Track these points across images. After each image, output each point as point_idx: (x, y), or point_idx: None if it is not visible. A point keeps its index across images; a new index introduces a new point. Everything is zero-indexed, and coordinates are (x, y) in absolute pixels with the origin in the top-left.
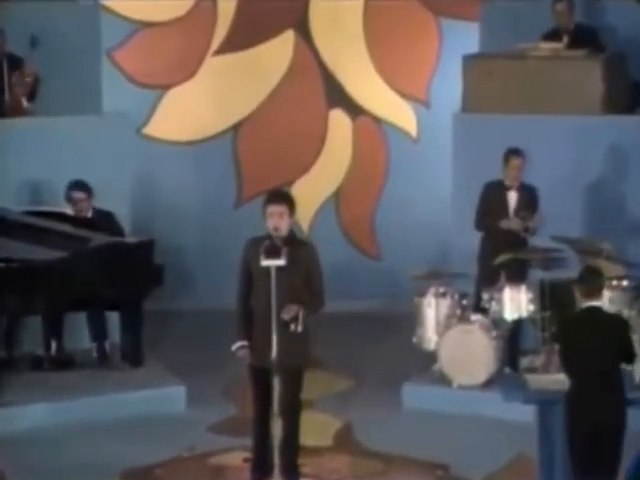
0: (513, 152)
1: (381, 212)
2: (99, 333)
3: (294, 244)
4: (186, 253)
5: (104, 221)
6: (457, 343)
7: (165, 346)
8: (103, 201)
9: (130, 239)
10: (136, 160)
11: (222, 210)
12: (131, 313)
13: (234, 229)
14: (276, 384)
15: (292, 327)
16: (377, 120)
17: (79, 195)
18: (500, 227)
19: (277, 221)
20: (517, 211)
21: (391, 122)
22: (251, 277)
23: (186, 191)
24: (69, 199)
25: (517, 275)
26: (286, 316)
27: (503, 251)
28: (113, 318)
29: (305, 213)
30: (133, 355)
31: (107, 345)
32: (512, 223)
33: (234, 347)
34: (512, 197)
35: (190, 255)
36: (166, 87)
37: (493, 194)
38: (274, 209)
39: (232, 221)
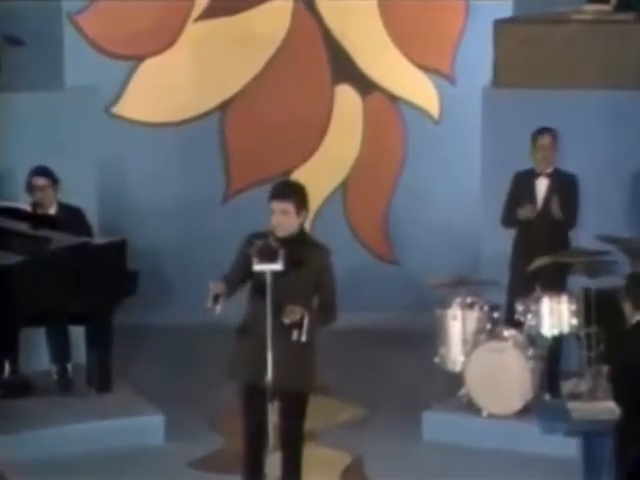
0: (541, 130)
1: (396, 207)
2: (61, 353)
3: (300, 245)
4: (164, 256)
5: (70, 218)
6: (487, 364)
7: (139, 368)
8: (66, 193)
9: (98, 240)
10: (105, 145)
11: (207, 205)
12: (99, 328)
13: (221, 228)
14: (272, 411)
15: (294, 335)
16: (392, 98)
17: (41, 182)
18: (519, 218)
19: (278, 219)
20: (547, 200)
21: (409, 100)
22: (248, 274)
23: (164, 182)
24: (29, 188)
25: (557, 283)
26: (287, 319)
27: (540, 254)
28: (76, 335)
29: None
30: (101, 379)
31: (70, 367)
32: (527, 211)
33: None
34: (541, 184)
35: (169, 259)
36: (140, 58)
37: (522, 184)
38: (275, 206)
39: (219, 218)
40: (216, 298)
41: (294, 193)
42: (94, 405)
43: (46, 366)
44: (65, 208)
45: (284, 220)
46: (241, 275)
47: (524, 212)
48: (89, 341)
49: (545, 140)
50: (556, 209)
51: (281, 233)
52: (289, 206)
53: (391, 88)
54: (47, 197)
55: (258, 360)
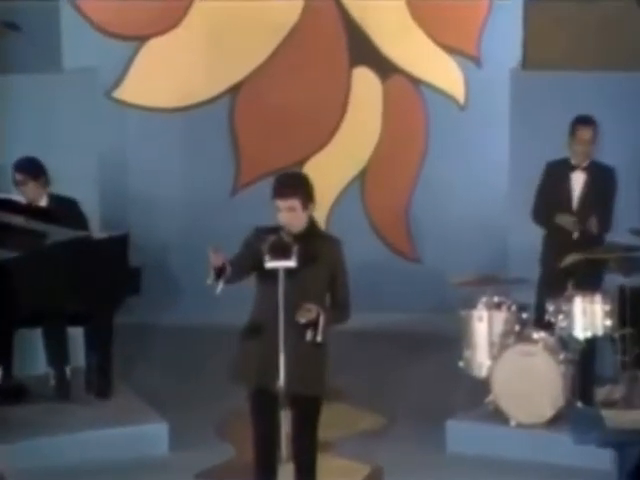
0: (582, 121)
1: (418, 200)
2: (58, 356)
3: (312, 239)
4: (169, 252)
5: (64, 211)
6: (515, 369)
7: (142, 372)
8: (64, 186)
9: (98, 234)
10: (105, 132)
11: (215, 198)
12: (99, 329)
13: (230, 222)
14: (285, 419)
15: (309, 335)
16: (414, 81)
17: (19, 176)
18: (555, 221)
19: (286, 217)
20: (583, 197)
21: (432, 84)
22: (253, 266)
23: (170, 173)
24: (14, 182)
25: (591, 281)
26: (302, 318)
27: (572, 250)
28: (75, 336)
29: (321, 202)
30: (101, 384)
31: (68, 371)
32: (566, 220)
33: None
34: (578, 179)
35: (174, 255)
36: (143, 38)
37: (555, 176)
38: (280, 204)
39: (228, 212)
40: (218, 273)
41: (299, 187)
42: (93, 412)
43: (43, 370)
44: (58, 200)
45: (292, 217)
46: (247, 266)
47: (564, 221)
48: (88, 343)
49: (587, 133)
50: (593, 225)
51: (291, 229)
52: (295, 202)
53: (413, 71)
54: (29, 191)
55: (269, 363)
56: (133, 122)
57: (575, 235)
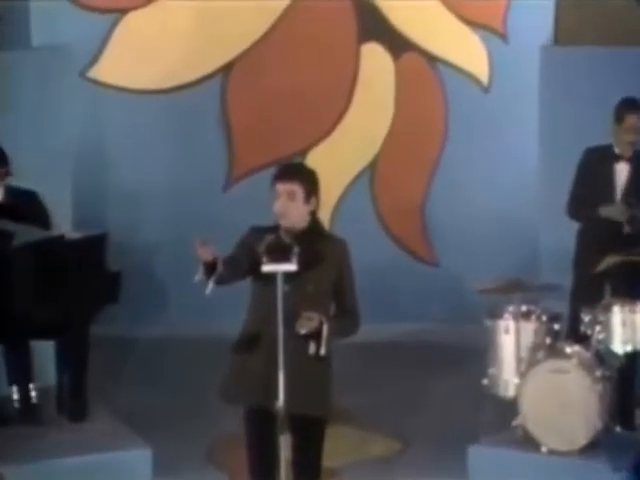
0: (630, 106)
1: (436, 195)
2: (20, 372)
3: (314, 240)
4: (154, 255)
5: (22, 205)
6: (546, 388)
7: (122, 391)
8: (32, 178)
9: (72, 234)
10: (80, 117)
11: (206, 192)
12: (72, 343)
13: (223, 219)
14: (284, 443)
15: (311, 348)
16: (431, 59)
17: None
18: (600, 215)
19: (284, 205)
20: (628, 191)
21: (452, 62)
22: (248, 269)
23: (154, 165)
24: None
25: (631, 287)
26: (303, 329)
27: (610, 251)
28: (45, 350)
29: (325, 198)
30: (75, 404)
31: (33, 390)
32: (614, 210)
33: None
34: (622, 170)
35: (159, 258)
36: (121, 11)
37: (596, 166)
38: (279, 188)
39: (220, 208)
40: (209, 270)
41: (302, 174)
42: (66, 437)
43: (4, 390)
44: (15, 193)
45: (290, 206)
46: (241, 268)
47: (611, 212)
48: (60, 358)
49: (635, 118)
50: (637, 226)
51: (287, 222)
52: (296, 188)
53: (430, 47)
54: None
55: (266, 379)
56: (111, 106)
57: (627, 229)
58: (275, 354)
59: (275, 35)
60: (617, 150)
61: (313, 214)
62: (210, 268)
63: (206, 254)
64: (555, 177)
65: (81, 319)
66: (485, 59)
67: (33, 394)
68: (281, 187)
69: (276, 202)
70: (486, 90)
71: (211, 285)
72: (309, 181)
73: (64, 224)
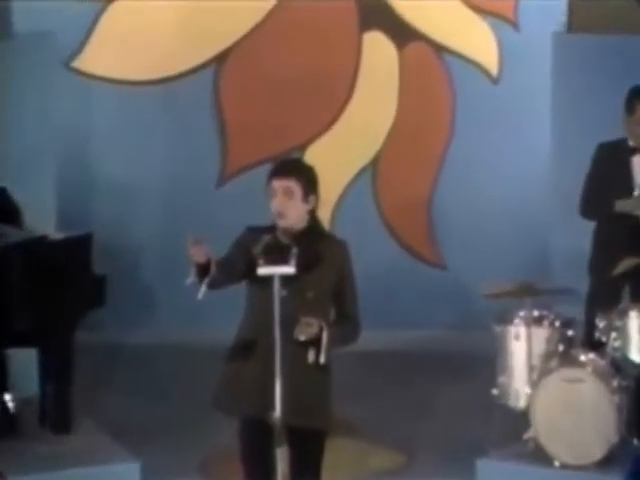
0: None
1: (443, 193)
2: None
3: (313, 241)
4: (142, 256)
5: None
6: (559, 398)
7: (109, 401)
8: (12, 175)
9: (55, 235)
10: (64, 109)
11: (198, 190)
12: (56, 351)
13: (216, 219)
14: (282, 457)
15: (310, 356)
16: (437, 48)
17: None
18: (616, 210)
19: (281, 203)
20: None
21: (459, 51)
22: (244, 273)
23: (143, 160)
24: None
25: None
26: (302, 335)
27: (628, 253)
28: (27, 359)
29: (325, 196)
30: (59, 416)
31: (10, 401)
32: (632, 204)
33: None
34: (638, 163)
35: (149, 260)
36: None
37: (610, 162)
38: (275, 185)
39: (213, 206)
40: (202, 272)
41: (300, 170)
42: (49, 450)
43: None
44: None
45: (288, 204)
46: (236, 271)
47: (628, 206)
48: (43, 367)
49: None
50: None
51: (284, 222)
52: (293, 185)
53: (436, 36)
54: None
55: (262, 389)
56: (98, 98)
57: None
58: (272, 362)
59: (271, 23)
60: (632, 143)
61: (312, 213)
62: (203, 270)
63: (199, 254)
64: (569, 172)
65: (65, 325)
66: (495, 48)
67: (10, 405)
68: (277, 184)
69: (273, 200)
70: (495, 81)
71: (204, 288)
72: (307, 178)
73: (47, 224)
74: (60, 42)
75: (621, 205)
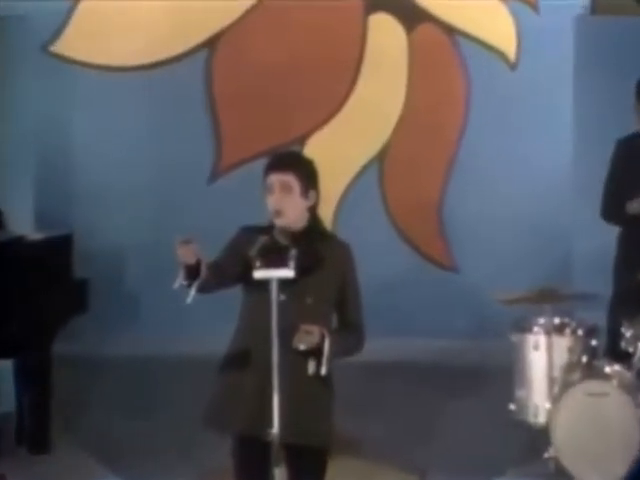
0: None
1: (455, 190)
2: None
3: (314, 242)
4: (127, 259)
5: None
6: (582, 414)
7: (91, 417)
8: None
9: (32, 235)
10: (43, 99)
11: (188, 186)
12: (33, 363)
13: (208, 218)
14: (280, 476)
15: (311, 367)
16: (450, 31)
17: None
18: (629, 214)
19: (278, 199)
20: None
21: (474, 35)
22: (238, 276)
23: (128, 154)
24: None
25: None
26: (302, 344)
27: None
28: (1, 372)
29: (326, 193)
30: (36, 434)
31: None
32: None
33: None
34: None
35: (134, 263)
36: None
37: (627, 159)
38: (272, 179)
39: (205, 204)
40: (191, 274)
41: (298, 163)
42: (26, 471)
43: None
44: None
45: (286, 200)
46: (229, 274)
47: (633, 206)
48: (19, 381)
49: None
50: None
51: (282, 220)
52: (291, 179)
53: (448, 18)
54: None
55: (258, 403)
56: (79, 85)
57: None
58: (269, 374)
59: (268, 3)
60: None
61: (312, 211)
62: (192, 272)
63: (188, 255)
64: (593, 168)
65: (43, 334)
66: (513, 31)
67: None
68: (274, 179)
69: (269, 197)
70: (513, 67)
71: (193, 292)
72: (306, 172)
73: (24, 223)
74: (36, 25)
75: (631, 207)
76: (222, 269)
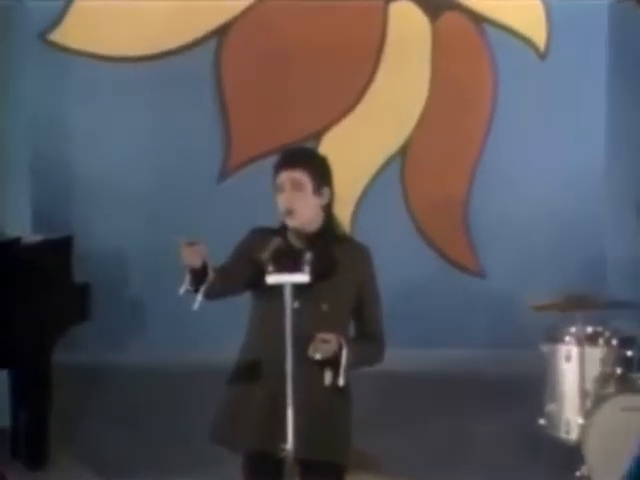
0: None
1: (482, 188)
2: None
3: (330, 244)
4: (131, 263)
5: None
6: (617, 429)
7: (91, 430)
8: None
9: (30, 238)
10: (41, 90)
11: (197, 185)
12: (31, 374)
13: (218, 218)
14: None
15: (327, 378)
16: (476, 19)
17: None
18: None
19: (289, 198)
20: None
21: (501, 22)
22: (249, 282)
23: (132, 151)
24: None
25: None
26: (318, 353)
27: None
28: None
29: (344, 193)
30: (34, 448)
31: None
32: None
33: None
34: None
35: (138, 267)
36: None
37: None
38: (283, 178)
39: (214, 204)
40: (197, 279)
41: (309, 159)
42: None
43: None
44: None
45: (298, 199)
46: (239, 279)
47: None
48: (15, 392)
49: None
50: None
51: (295, 220)
52: (302, 176)
53: (474, 5)
54: None
55: (270, 417)
56: (79, 76)
57: None
58: (281, 386)
59: None
60: None
61: (327, 211)
62: (199, 277)
63: (194, 258)
64: (626, 166)
65: (42, 342)
66: (542, 18)
67: None
68: (284, 176)
69: (280, 196)
70: (543, 56)
71: (200, 298)
72: (318, 168)
73: (21, 225)
74: (34, 12)
75: None
76: (231, 273)
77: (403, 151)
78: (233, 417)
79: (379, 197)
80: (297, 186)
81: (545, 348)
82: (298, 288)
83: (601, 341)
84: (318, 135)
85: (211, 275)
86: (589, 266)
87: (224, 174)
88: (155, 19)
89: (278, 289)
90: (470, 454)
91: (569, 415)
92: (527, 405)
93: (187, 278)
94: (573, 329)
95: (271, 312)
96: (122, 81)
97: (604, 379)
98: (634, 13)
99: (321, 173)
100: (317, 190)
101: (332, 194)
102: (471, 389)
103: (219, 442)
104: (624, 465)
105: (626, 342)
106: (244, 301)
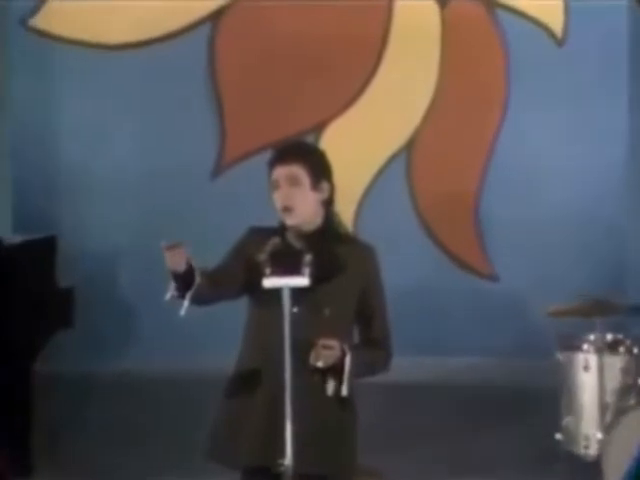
0: None
1: (494, 186)
2: None
3: (332, 245)
4: (120, 266)
5: None
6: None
7: (78, 442)
8: None
9: (10, 238)
10: (23, 81)
11: (189, 181)
12: (12, 383)
13: (212, 216)
14: None
15: (330, 387)
16: (489, 4)
17: None
18: None
19: (285, 194)
20: None
21: (515, 7)
22: (245, 285)
23: (121, 144)
24: None
25: None
26: (320, 362)
27: None
28: None
29: (346, 190)
30: (16, 459)
31: None
32: None
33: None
34: None
35: (127, 269)
36: None
37: None
38: (278, 173)
39: (208, 201)
40: (183, 283)
41: (306, 153)
42: None
43: None
44: None
45: (295, 195)
46: (233, 282)
47: None
48: None
49: None
50: None
51: (293, 218)
52: (299, 170)
53: None
54: None
55: (268, 431)
56: (64, 65)
57: None
58: (280, 397)
59: None
60: None
61: (327, 207)
62: (185, 281)
63: (177, 261)
64: None
65: (24, 351)
66: (559, 3)
67: None
68: (280, 172)
69: (276, 193)
70: (560, 43)
71: (187, 304)
72: (315, 161)
73: (1, 225)
74: None
75: None
76: (225, 276)
77: (409, 145)
78: (230, 433)
79: (384, 195)
80: (294, 181)
81: (562, 357)
82: (297, 292)
83: (622, 349)
84: (318, 129)
85: (197, 278)
86: (608, 270)
87: (218, 170)
88: (144, 4)
89: (276, 293)
90: (481, 470)
91: (587, 429)
92: (542, 418)
93: (171, 284)
94: (592, 336)
95: (269, 318)
96: (110, 69)
97: (625, 390)
98: None
99: (319, 167)
100: (315, 185)
101: (332, 189)
102: (482, 400)
103: (215, 458)
104: None
105: None
106: (240, 307)
